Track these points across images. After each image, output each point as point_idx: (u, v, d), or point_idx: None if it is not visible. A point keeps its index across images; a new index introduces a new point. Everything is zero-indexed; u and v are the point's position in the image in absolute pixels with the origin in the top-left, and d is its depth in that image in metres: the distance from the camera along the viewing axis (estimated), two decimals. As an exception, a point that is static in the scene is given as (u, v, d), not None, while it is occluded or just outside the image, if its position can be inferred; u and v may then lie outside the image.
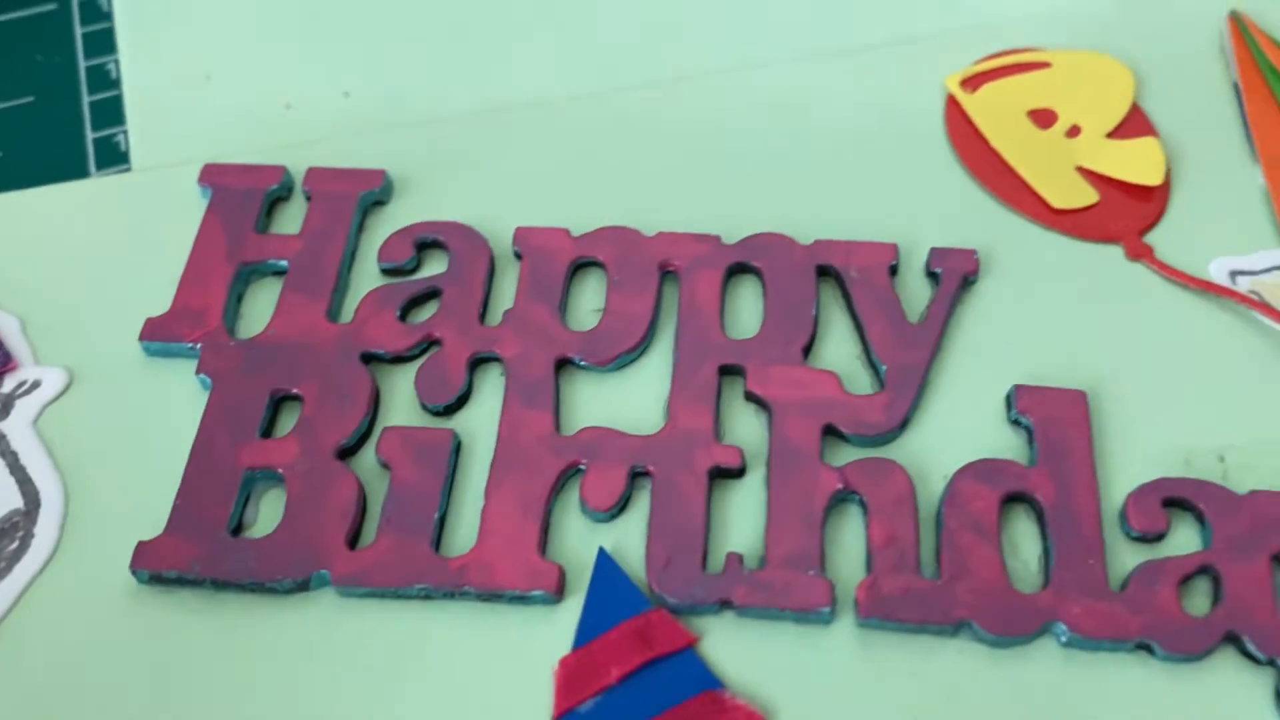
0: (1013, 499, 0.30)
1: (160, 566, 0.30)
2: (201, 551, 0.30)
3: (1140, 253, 0.35)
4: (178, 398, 0.33)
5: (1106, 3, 0.41)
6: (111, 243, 0.36)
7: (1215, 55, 0.39)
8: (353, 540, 0.30)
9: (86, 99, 0.41)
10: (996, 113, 0.38)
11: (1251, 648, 0.28)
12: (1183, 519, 0.30)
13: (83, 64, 0.42)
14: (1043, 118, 0.38)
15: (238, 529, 0.31)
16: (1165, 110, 0.38)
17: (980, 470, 0.30)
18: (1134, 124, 0.38)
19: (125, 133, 0.39)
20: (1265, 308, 0.33)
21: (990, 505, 0.30)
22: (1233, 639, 0.29)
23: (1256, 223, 0.36)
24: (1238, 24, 0.39)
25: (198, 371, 0.33)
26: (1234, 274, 0.35)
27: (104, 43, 0.42)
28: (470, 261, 0.35)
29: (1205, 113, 0.38)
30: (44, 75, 0.42)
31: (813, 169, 0.37)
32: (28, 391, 0.33)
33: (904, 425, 0.31)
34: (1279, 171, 0.36)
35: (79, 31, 0.43)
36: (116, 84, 0.41)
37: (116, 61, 0.41)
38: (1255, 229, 0.36)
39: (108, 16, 0.43)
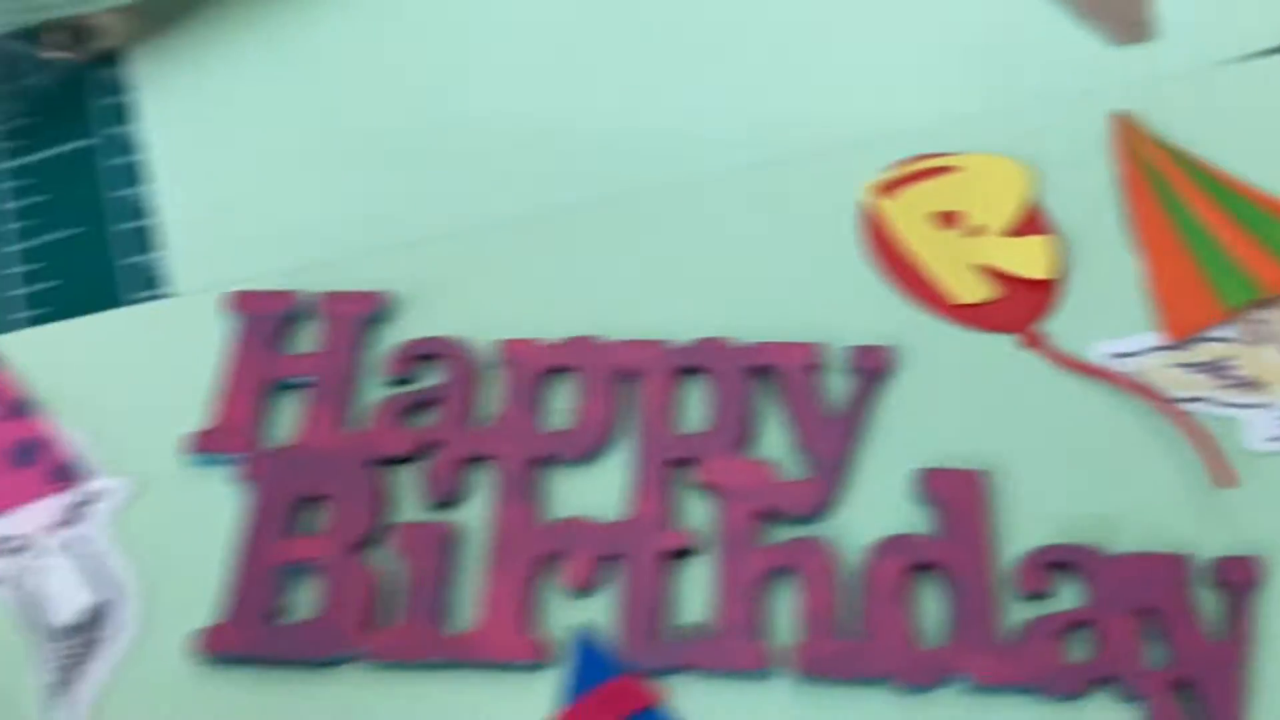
0: (920, 567, 0.36)
1: (219, 649, 0.36)
2: (252, 635, 0.36)
3: (1032, 341, 0.41)
4: (226, 501, 0.39)
5: (1010, 108, 0.46)
6: (158, 363, 0.42)
7: (1104, 152, 0.45)
8: (373, 621, 0.36)
9: (126, 227, 0.47)
10: (907, 216, 0.43)
11: (1122, 688, 0.34)
12: (1067, 579, 0.36)
13: (113, 195, 0.48)
14: (949, 219, 0.44)
15: (280, 614, 0.37)
16: (1061, 206, 0.43)
17: (892, 545, 0.36)
18: (1030, 222, 0.43)
19: (162, 258, 0.45)
20: (1135, 386, 0.39)
21: (901, 574, 0.36)
22: (1106, 681, 0.35)
23: (1136, 308, 0.41)
24: (1119, 125, 0.45)
25: (237, 480, 0.39)
26: (1114, 356, 0.40)
27: (139, 174, 0.48)
28: (460, 372, 0.41)
29: (1095, 206, 0.44)
30: (90, 206, 0.47)
31: (745, 275, 0.43)
32: (97, 500, 0.40)
33: (827, 506, 0.38)
34: (1157, 260, 0.42)
35: (109, 165, 0.49)
36: (153, 212, 0.47)
37: (150, 191, 0.48)
38: (1135, 314, 0.41)
39: (138, 150, 0.49)
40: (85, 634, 0.37)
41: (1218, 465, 0.37)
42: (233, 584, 0.37)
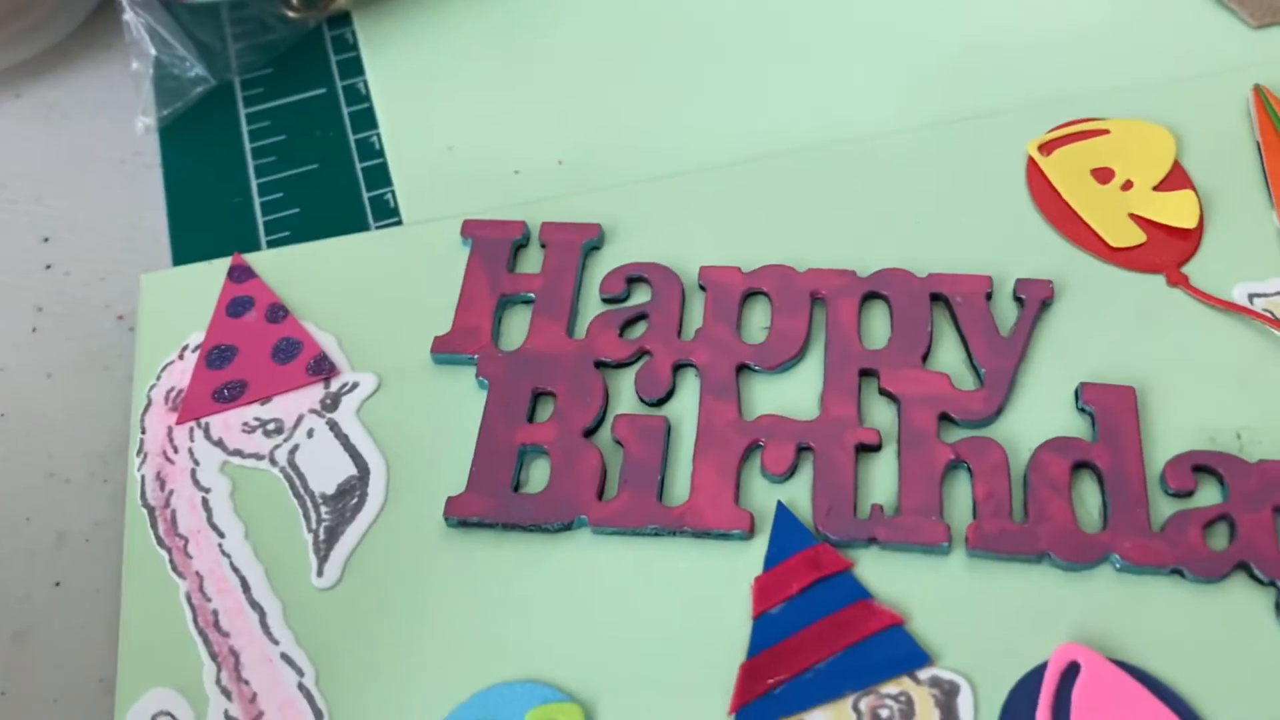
0: (1080, 466, 0.41)
1: (465, 514, 0.42)
2: (494, 503, 0.42)
3: (1178, 281, 0.46)
4: (462, 395, 0.45)
5: (1155, 80, 0.51)
6: (397, 279, 0.48)
7: (1244, 121, 0.50)
8: (600, 494, 0.42)
9: (359, 165, 0.53)
10: (1066, 171, 0.49)
11: (1258, 572, 0.39)
12: (1208, 480, 0.41)
13: (352, 138, 0.54)
14: (1103, 175, 0.49)
15: (517, 487, 0.43)
16: (1202, 167, 0.48)
17: (1056, 445, 0.41)
18: (1176, 179, 0.48)
19: (393, 192, 0.52)
20: (1273, 321, 0.44)
21: (1063, 469, 0.41)
22: (1243, 566, 0.39)
23: (1271, 255, 0.46)
24: (1260, 94, 0.50)
25: (477, 375, 0.45)
26: (1252, 296, 0.45)
27: (367, 120, 0.54)
28: (668, 292, 0.46)
29: (1234, 167, 0.48)
30: (322, 147, 0.54)
31: (927, 217, 0.48)
32: (349, 390, 0.46)
33: (999, 413, 0.43)
34: (1290, 214, 0.47)
35: (345, 111, 0.55)
36: (381, 154, 0.53)
37: (378, 135, 0.54)
38: (1270, 260, 0.46)
39: (367, 99, 0.55)
40: (343, 500, 0.43)
41: (1348, 389, 0.42)
42: (477, 460, 0.43)
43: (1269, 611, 0.38)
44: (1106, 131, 0.50)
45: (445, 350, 0.45)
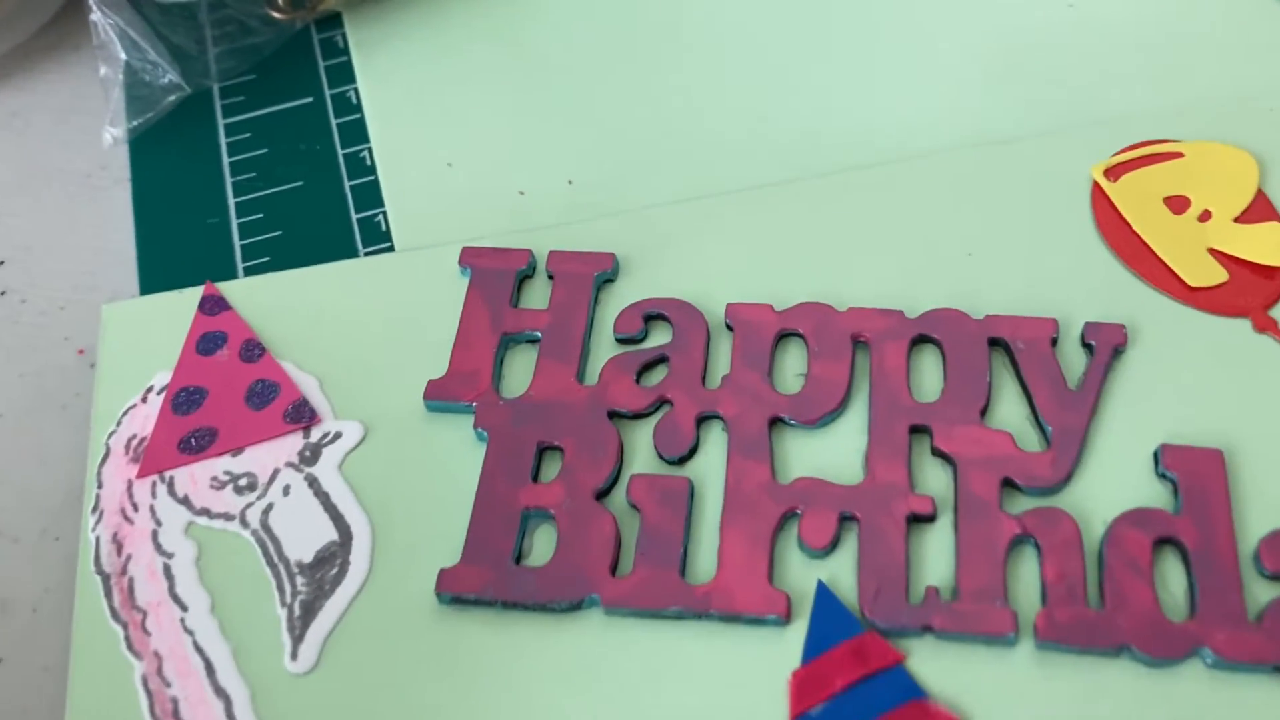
0: (1162, 542, 0.36)
1: (460, 589, 0.36)
2: (492, 577, 0.37)
3: (1266, 326, 0.40)
4: (457, 447, 0.40)
5: (1233, 97, 0.46)
6: (388, 313, 0.43)
7: (1333, 143, 0.45)
8: (613, 568, 0.37)
9: (348, 183, 0.48)
10: (1136, 199, 0.43)
11: (1370, 669, 0.34)
12: (1308, 560, 0.36)
13: (341, 152, 0.49)
14: (1177, 204, 0.43)
15: (519, 557, 0.37)
16: (1287, 196, 0.44)
17: (1134, 517, 0.36)
18: (1259, 209, 0.43)
19: (384, 214, 0.47)
20: (1378, 376, 0.39)
21: (1144, 547, 0.36)
22: (1355, 662, 0.34)
23: (1370, 297, 0.41)
24: (1351, 116, 0.45)
25: (475, 426, 0.40)
26: (1350, 344, 0.40)
27: (357, 133, 0.49)
28: (691, 332, 0.41)
29: (1324, 197, 0.44)
30: (308, 162, 0.49)
31: (977, 249, 0.43)
32: (331, 441, 0.41)
33: (1069, 478, 0.37)
34: (1389, 251, 0.42)
35: (334, 122, 0.50)
36: (372, 170, 0.48)
37: (370, 150, 0.49)
38: (1369, 303, 0.41)
39: (358, 109, 0.50)
40: (322, 570, 0.38)
41: None
42: (474, 525, 0.38)
43: (1386, 717, 0.33)
44: (1181, 155, 0.45)
45: (440, 396, 0.40)
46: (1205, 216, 0.43)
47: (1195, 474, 0.37)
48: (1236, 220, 0.43)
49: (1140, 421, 0.39)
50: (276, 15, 0.51)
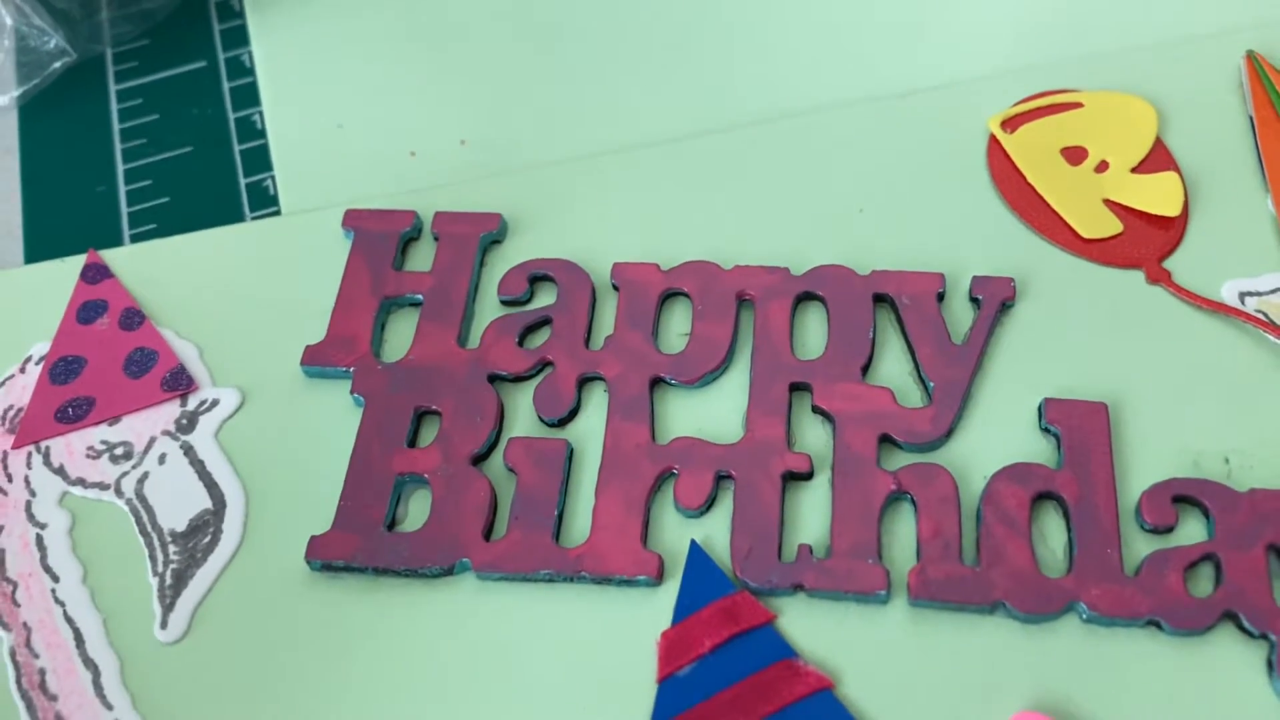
0: (1042, 497, 0.36)
1: (330, 556, 0.36)
2: (363, 544, 0.36)
3: (1159, 277, 0.40)
4: (334, 413, 0.39)
5: (1135, 46, 0.45)
6: (270, 278, 0.42)
7: (1234, 92, 0.44)
8: (487, 533, 0.36)
9: (238, 148, 0.47)
10: (1033, 151, 0.43)
11: (1247, 624, 0.33)
12: (1191, 513, 0.35)
13: (232, 116, 0.48)
14: (1074, 154, 0.43)
15: (392, 524, 0.37)
16: (1187, 145, 0.43)
17: (1014, 472, 0.36)
18: (1157, 159, 0.42)
19: (273, 178, 0.46)
20: (1268, 325, 0.38)
21: (1022, 502, 0.35)
22: (1231, 616, 0.34)
23: (1266, 247, 0.40)
24: (1254, 62, 0.44)
25: (352, 391, 0.39)
26: (1243, 295, 0.39)
27: (249, 96, 0.48)
28: (575, 293, 0.40)
29: (1223, 146, 0.43)
30: (199, 128, 0.48)
31: (869, 204, 0.42)
32: (208, 409, 0.40)
33: (949, 434, 0.37)
34: (1287, 199, 0.41)
35: (226, 86, 0.49)
36: (263, 134, 0.47)
37: (261, 113, 0.48)
38: (1264, 253, 0.40)
39: (251, 72, 0.49)
40: (195, 538, 0.37)
41: (1353, 405, 0.36)
42: (346, 492, 0.37)
43: (1260, 669, 0.33)
44: (1080, 105, 0.44)
45: (317, 362, 0.40)
46: (1102, 167, 0.42)
47: (1078, 428, 0.36)
48: (1134, 170, 0.42)
49: (1027, 375, 0.38)
50: (170, -22, 0.50)
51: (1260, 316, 0.38)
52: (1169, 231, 0.41)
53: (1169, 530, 0.35)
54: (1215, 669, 0.33)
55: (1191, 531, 0.35)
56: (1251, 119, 0.43)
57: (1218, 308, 0.39)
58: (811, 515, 0.36)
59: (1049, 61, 0.45)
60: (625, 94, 0.47)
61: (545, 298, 0.41)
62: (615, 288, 0.41)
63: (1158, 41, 0.45)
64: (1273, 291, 0.39)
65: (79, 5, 0.49)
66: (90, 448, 0.39)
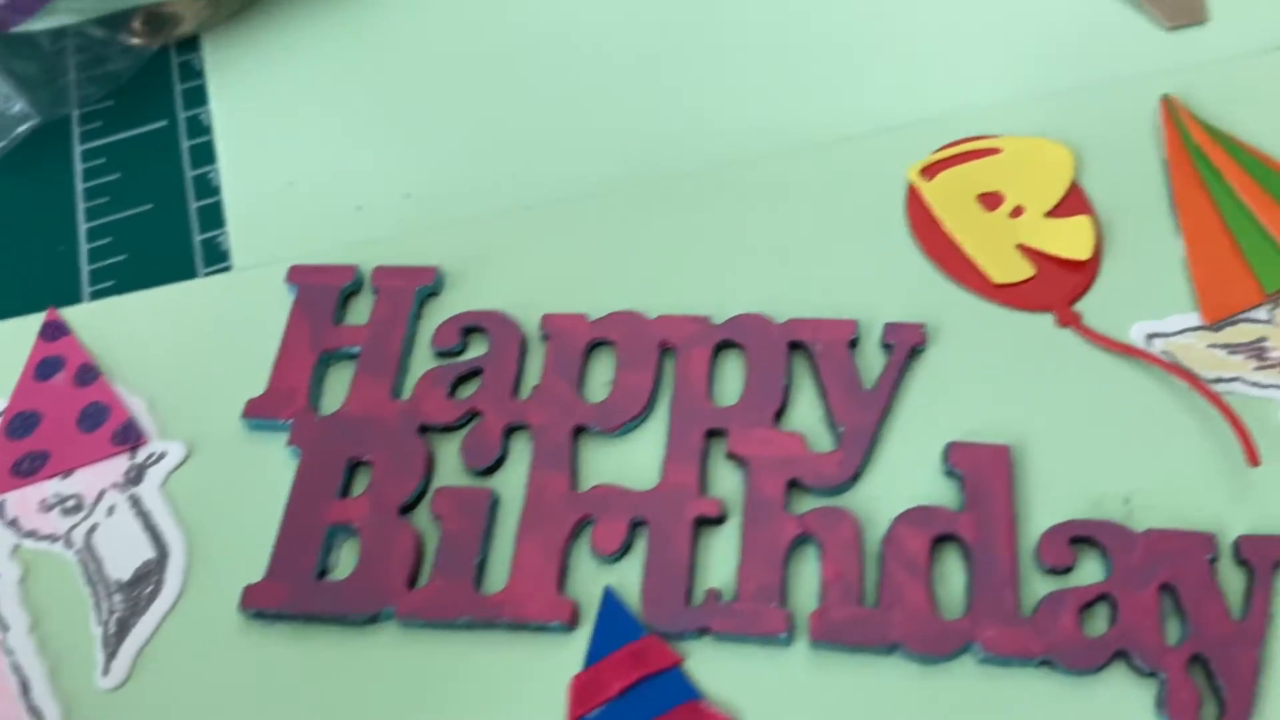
0: (944, 539, 0.37)
1: (263, 605, 0.38)
2: (294, 592, 0.38)
3: (1068, 320, 0.41)
4: (274, 465, 0.41)
5: (1053, 92, 0.47)
6: (218, 333, 0.44)
7: (1150, 136, 0.45)
8: (411, 581, 0.38)
9: (194, 205, 0.49)
10: (949, 197, 0.44)
11: (1138, 663, 0.34)
12: (1090, 554, 0.37)
13: (189, 174, 0.50)
14: (990, 200, 0.44)
15: (323, 573, 0.38)
16: (1102, 188, 0.44)
17: (915, 516, 0.37)
18: (1072, 203, 0.43)
19: (226, 234, 0.48)
20: (1173, 367, 0.39)
21: (922, 545, 0.36)
22: (1123, 655, 0.35)
23: (1175, 290, 0.41)
24: (1168, 107, 0.45)
25: (289, 443, 0.41)
26: (1150, 336, 0.40)
27: (207, 154, 0.50)
28: (505, 344, 0.42)
29: (1138, 189, 0.44)
30: (159, 185, 0.50)
31: (789, 252, 0.43)
32: (155, 462, 0.42)
33: (855, 478, 0.38)
34: (1197, 242, 0.42)
35: (185, 145, 0.51)
36: (218, 191, 0.49)
37: (217, 171, 0.50)
38: (1173, 296, 0.41)
39: (209, 130, 0.51)
40: (139, 588, 0.39)
41: (1249, 445, 0.37)
42: (280, 542, 0.39)
43: (1149, 707, 0.34)
44: (998, 151, 0.45)
45: (258, 414, 0.41)
46: (1017, 212, 0.43)
47: (981, 471, 0.38)
48: (1049, 214, 0.43)
49: (934, 419, 0.39)
50: (134, 42, 0.52)
51: (1165, 358, 0.40)
52: (1080, 275, 0.42)
53: (1067, 571, 0.36)
54: (1106, 707, 0.34)
55: (1090, 572, 0.36)
56: (1165, 161, 0.44)
57: (1125, 350, 0.40)
58: (722, 559, 0.37)
59: (971, 109, 0.46)
60: (559, 145, 0.48)
61: (478, 349, 0.42)
62: (544, 338, 0.42)
63: (1076, 86, 0.47)
64: (1179, 333, 0.40)
65: (44, 70, 0.51)
66: (43, 500, 0.41)
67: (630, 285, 0.43)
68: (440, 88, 0.51)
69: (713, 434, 0.39)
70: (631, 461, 0.39)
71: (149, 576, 0.39)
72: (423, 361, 0.42)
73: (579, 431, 0.40)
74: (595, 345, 0.42)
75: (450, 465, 0.40)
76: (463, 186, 0.47)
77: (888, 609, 0.36)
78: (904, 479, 0.38)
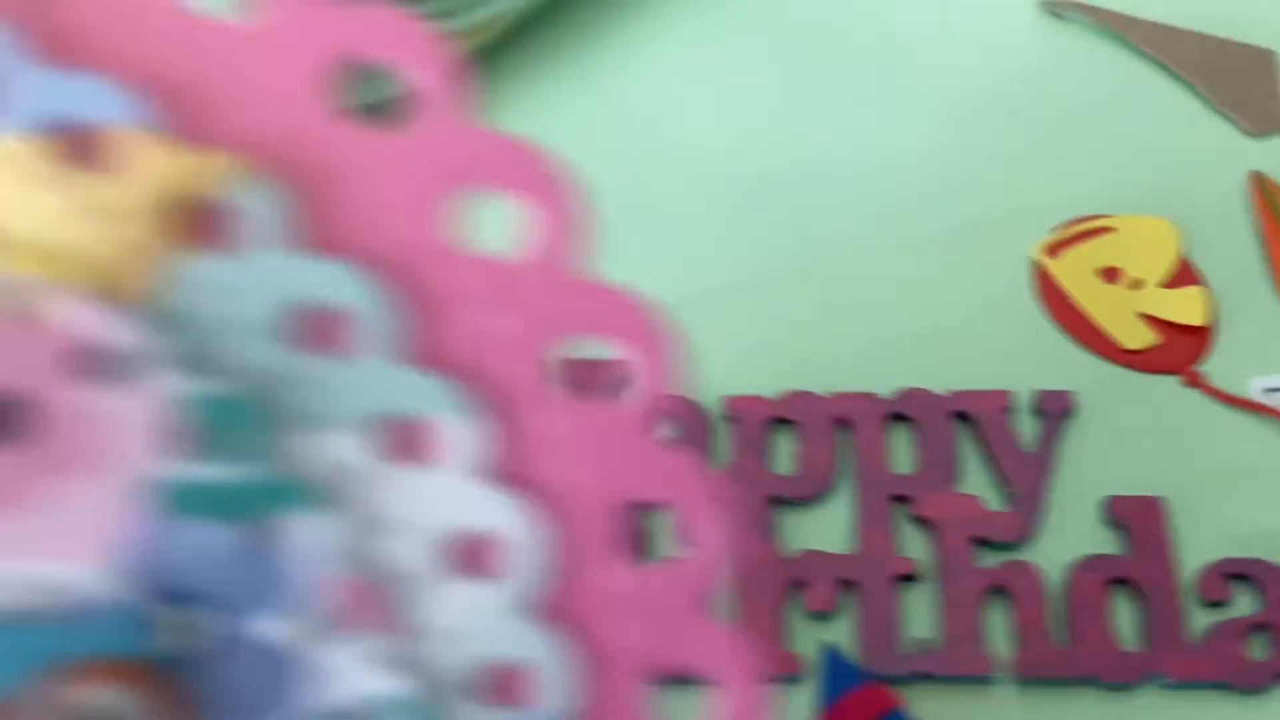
0: (1114, 581, 0.42)
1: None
2: None
3: (1194, 380, 0.46)
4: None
5: (1158, 174, 0.52)
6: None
7: (1242, 210, 0.51)
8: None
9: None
10: (1074, 273, 0.49)
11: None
12: (1243, 588, 0.42)
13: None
14: (1110, 274, 0.49)
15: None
16: (1207, 261, 0.49)
17: (1089, 563, 0.42)
18: (1182, 275, 0.49)
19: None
20: (1290, 417, 0.45)
21: (1098, 588, 0.42)
22: (1285, 676, 0.40)
23: (1280, 347, 0.47)
24: (1259, 182, 0.51)
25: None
26: (1267, 390, 0.46)
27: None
28: (692, 426, 0.47)
29: (1239, 260, 0.50)
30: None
31: (939, 332, 0.49)
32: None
33: (1030, 533, 0.44)
34: (1298, 304, 0.48)
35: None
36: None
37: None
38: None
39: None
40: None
41: (1369, 484, 0.43)
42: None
43: (1313, 720, 0.39)
44: (1112, 229, 0.50)
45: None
46: (1137, 284, 0.49)
47: (1138, 519, 0.43)
48: (1163, 285, 0.49)
49: (1088, 477, 0.45)
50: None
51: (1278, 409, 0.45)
52: (1198, 339, 0.47)
53: (1224, 604, 0.42)
54: (1276, 720, 0.40)
55: (1242, 604, 0.42)
56: (1261, 234, 0.50)
57: (1246, 405, 0.45)
58: (920, 611, 0.42)
59: (1079, 198, 0.52)
60: (706, 238, 0.53)
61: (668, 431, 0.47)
62: (727, 419, 0.47)
63: (1172, 165, 0.52)
64: (1294, 386, 0.46)
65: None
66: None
67: (798, 366, 0.48)
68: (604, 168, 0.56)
69: (898, 499, 0.44)
70: (827, 527, 0.45)
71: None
72: (620, 445, 0.47)
73: (775, 501, 0.45)
74: (775, 422, 0.47)
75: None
76: (637, 276, 0.52)
77: (1076, 645, 0.41)
78: (1071, 531, 0.43)
